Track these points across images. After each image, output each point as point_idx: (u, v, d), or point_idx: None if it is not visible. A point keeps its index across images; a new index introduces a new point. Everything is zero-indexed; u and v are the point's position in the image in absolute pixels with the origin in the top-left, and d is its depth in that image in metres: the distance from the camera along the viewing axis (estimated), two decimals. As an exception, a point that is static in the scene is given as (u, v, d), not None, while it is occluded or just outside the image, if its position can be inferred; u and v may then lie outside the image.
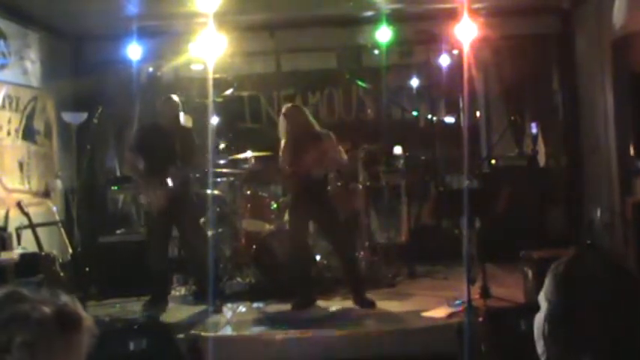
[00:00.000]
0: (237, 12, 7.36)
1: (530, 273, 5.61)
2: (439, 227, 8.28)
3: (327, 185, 6.42)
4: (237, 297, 6.62)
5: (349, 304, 6.14)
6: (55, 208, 7.49)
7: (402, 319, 5.74)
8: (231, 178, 7.37)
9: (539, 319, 1.50)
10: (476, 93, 9.31)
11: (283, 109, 6.40)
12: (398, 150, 8.19)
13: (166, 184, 6.14)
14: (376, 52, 8.67)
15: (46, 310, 1.48)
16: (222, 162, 7.31)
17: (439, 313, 5.66)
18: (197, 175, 6.88)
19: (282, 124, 6.28)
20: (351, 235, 6.94)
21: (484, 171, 8.39)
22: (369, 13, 8.24)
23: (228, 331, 5.72)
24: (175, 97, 6.48)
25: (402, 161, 8.09)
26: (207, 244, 6.48)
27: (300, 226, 6.31)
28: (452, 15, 7.06)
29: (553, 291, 1.47)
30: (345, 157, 6.32)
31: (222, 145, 7.79)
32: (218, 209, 7.10)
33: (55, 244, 7.31)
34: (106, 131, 8.71)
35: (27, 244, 6.62)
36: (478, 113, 9.56)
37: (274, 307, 6.29)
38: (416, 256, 7.51)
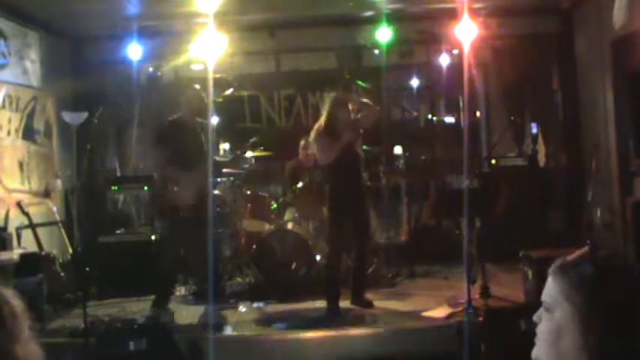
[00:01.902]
0: (238, 12, 7.36)
1: (530, 273, 5.62)
2: (439, 227, 8.29)
3: (362, 180, 6.35)
4: (237, 297, 6.62)
5: (349, 304, 6.14)
6: (55, 208, 7.49)
7: (402, 319, 5.75)
8: (231, 178, 7.37)
9: (552, 323, 1.48)
10: (476, 93, 9.31)
11: (333, 97, 6.27)
12: (398, 150, 8.20)
13: (195, 179, 6.06)
14: (376, 52, 8.67)
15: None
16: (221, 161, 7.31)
17: (439, 313, 5.67)
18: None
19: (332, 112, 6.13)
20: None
21: (484, 171, 8.39)
22: (369, 13, 8.24)
23: (228, 331, 5.72)
24: (198, 88, 6.43)
25: (402, 161, 8.10)
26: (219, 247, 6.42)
27: (342, 226, 6.10)
28: (452, 15, 7.06)
29: (573, 290, 1.46)
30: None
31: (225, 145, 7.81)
32: (218, 209, 7.09)
33: (55, 244, 7.31)
34: (106, 131, 8.71)
35: (27, 244, 6.62)
36: (478, 113, 9.56)
37: (274, 307, 6.30)
38: (416, 256, 7.52)
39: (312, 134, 6.20)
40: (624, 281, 1.47)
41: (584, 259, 1.50)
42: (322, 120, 6.17)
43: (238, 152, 7.60)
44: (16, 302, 1.65)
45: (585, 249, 1.54)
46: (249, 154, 7.61)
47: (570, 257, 1.52)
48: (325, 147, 6.05)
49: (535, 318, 1.54)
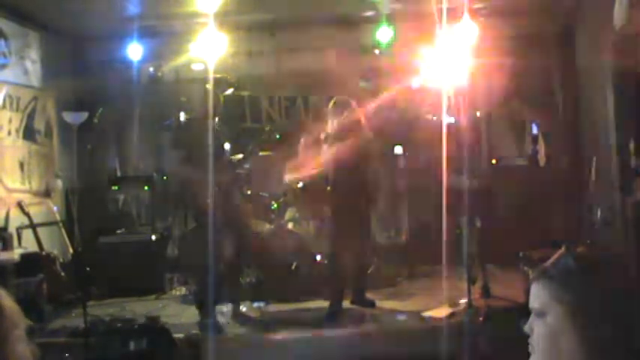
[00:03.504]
0: (238, 12, 7.36)
1: (530, 273, 5.61)
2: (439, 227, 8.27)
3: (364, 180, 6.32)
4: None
5: (349, 303, 6.14)
6: (55, 208, 7.50)
7: (402, 319, 5.75)
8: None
9: (546, 328, 1.48)
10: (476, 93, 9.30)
11: (334, 100, 6.27)
12: (398, 150, 8.20)
13: (217, 180, 5.93)
14: (376, 52, 8.67)
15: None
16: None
17: (439, 313, 5.67)
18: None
19: (333, 114, 6.16)
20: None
21: (484, 171, 8.38)
22: (369, 13, 8.24)
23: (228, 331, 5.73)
24: (209, 87, 6.34)
25: (402, 161, 8.10)
26: (249, 248, 6.35)
27: (343, 226, 6.09)
28: (452, 15, 7.06)
29: (561, 290, 1.46)
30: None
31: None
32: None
33: (55, 243, 7.32)
34: (107, 131, 8.71)
35: (27, 243, 6.62)
36: (478, 113, 9.55)
37: (274, 307, 6.30)
38: (416, 256, 7.52)
39: (322, 135, 6.22)
40: (609, 270, 1.48)
41: (565, 258, 1.50)
42: (328, 123, 6.18)
43: (250, 150, 7.58)
44: (6, 302, 1.64)
45: (562, 249, 1.55)
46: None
47: (550, 260, 1.53)
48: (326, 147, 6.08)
49: (527, 329, 1.53)
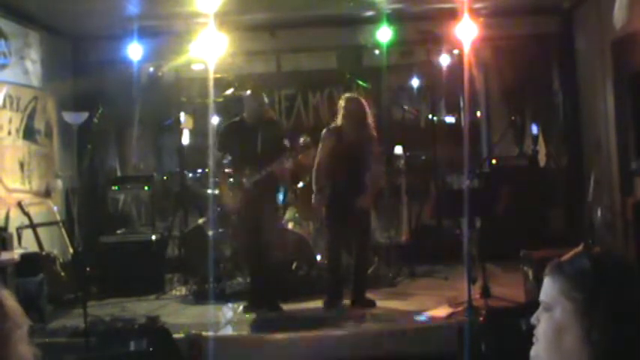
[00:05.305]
0: (238, 12, 7.37)
1: (530, 273, 5.62)
2: (439, 227, 8.29)
3: (364, 179, 6.27)
4: (237, 297, 6.62)
5: (350, 304, 6.14)
6: (55, 208, 7.50)
7: (402, 319, 5.75)
8: (231, 179, 7.35)
9: (552, 322, 1.49)
10: (476, 93, 9.32)
11: (346, 97, 6.27)
12: (398, 150, 8.20)
13: (250, 182, 6.06)
14: (376, 52, 8.67)
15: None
16: (225, 162, 7.31)
17: (439, 313, 5.67)
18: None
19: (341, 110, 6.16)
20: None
21: (484, 171, 8.39)
22: (369, 13, 8.25)
23: (228, 331, 5.73)
24: (261, 91, 6.47)
25: (402, 161, 8.10)
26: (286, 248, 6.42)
27: (341, 222, 6.13)
28: (452, 15, 7.07)
29: (572, 287, 1.47)
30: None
31: None
32: (218, 209, 7.10)
33: (55, 243, 7.32)
34: (107, 131, 8.72)
35: (28, 243, 6.63)
36: (478, 113, 9.57)
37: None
38: (416, 256, 7.52)
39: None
40: (622, 274, 1.48)
41: (580, 256, 1.51)
42: (338, 117, 6.19)
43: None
44: (8, 303, 1.64)
45: (580, 247, 1.55)
46: None
47: (566, 256, 1.53)
48: (327, 143, 6.09)
49: (533, 320, 1.54)
